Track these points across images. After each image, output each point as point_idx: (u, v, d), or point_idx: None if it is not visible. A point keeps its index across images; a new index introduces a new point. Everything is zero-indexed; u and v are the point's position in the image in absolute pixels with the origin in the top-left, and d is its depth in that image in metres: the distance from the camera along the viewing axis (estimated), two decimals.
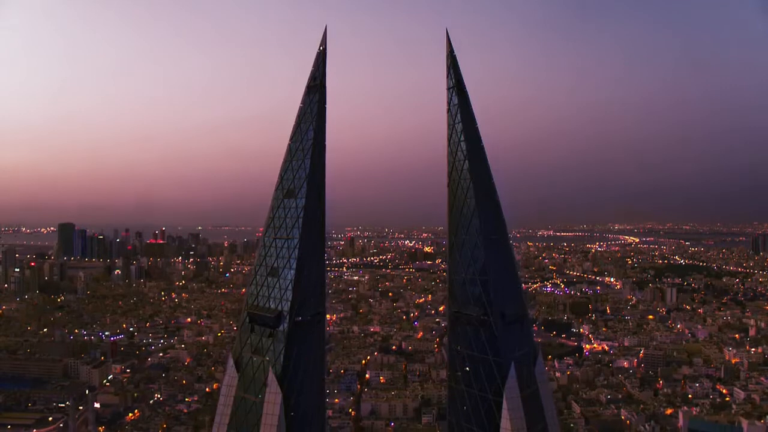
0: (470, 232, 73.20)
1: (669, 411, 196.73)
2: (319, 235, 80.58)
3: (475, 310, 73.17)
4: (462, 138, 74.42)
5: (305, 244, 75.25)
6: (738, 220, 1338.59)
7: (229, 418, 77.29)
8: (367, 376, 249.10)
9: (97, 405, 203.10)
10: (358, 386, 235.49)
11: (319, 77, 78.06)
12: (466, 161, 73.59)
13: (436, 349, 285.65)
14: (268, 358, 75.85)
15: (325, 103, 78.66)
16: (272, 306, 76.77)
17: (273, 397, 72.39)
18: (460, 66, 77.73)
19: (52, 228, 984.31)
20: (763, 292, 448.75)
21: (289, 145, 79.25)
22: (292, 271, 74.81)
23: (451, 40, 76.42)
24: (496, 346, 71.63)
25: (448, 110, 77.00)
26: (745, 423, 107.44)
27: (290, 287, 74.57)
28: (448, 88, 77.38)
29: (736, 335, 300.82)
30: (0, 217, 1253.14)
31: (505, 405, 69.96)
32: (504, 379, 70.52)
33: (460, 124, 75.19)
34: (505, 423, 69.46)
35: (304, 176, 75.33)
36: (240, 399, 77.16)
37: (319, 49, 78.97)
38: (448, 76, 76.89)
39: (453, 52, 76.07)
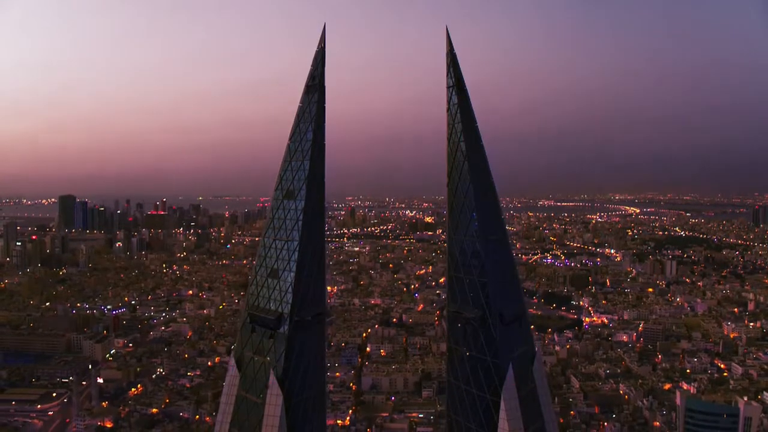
0: (469, 233, 73.33)
1: (667, 386, 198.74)
2: (319, 236, 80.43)
3: (473, 311, 73.49)
4: (462, 138, 74.03)
5: (305, 246, 75.24)
6: (739, 191, 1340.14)
7: (231, 416, 78.16)
8: (367, 349, 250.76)
9: (100, 380, 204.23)
10: (359, 360, 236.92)
11: (318, 76, 77.15)
12: (466, 162, 73.34)
13: (436, 322, 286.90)
14: (268, 359, 76.34)
15: (324, 102, 77.91)
16: (273, 308, 76.96)
17: (274, 399, 73.14)
18: (460, 65, 76.67)
19: (52, 199, 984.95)
20: (763, 265, 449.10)
21: (288, 144, 78.75)
22: (292, 274, 74.87)
23: (451, 37, 75.40)
24: (495, 348, 72.12)
25: (448, 109, 76.36)
26: (741, 403, 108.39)
27: (290, 290, 74.76)
28: (448, 87, 76.58)
29: (735, 309, 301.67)
30: (0, 189, 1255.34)
31: (502, 406, 70.72)
32: (502, 380, 71.18)
33: (460, 124, 74.67)
34: (503, 423, 70.39)
35: (303, 178, 75.12)
36: (242, 399, 77.95)
37: (318, 47, 77.95)
38: (447, 75, 76.05)
39: (453, 50, 75.16)
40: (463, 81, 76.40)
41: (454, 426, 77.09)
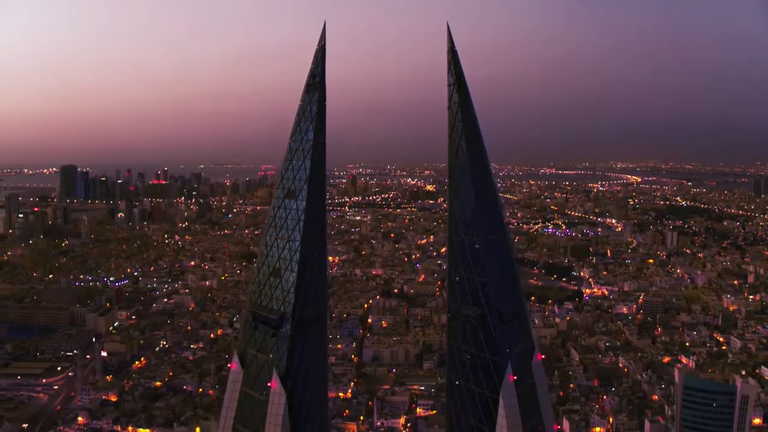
0: (469, 233, 73.53)
1: (666, 359, 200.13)
2: (320, 235, 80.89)
3: (473, 310, 74.02)
4: (462, 137, 73.90)
5: (306, 247, 75.61)
6: (741, 160, 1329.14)
7: (235, 412, 79.39)
8: (369, 320, 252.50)
9: (104, 353, 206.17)
10: (360, 331, 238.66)
11: (318, 75, 76.59)
12: (467, 160, 73.36)
13: (438, 293, 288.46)
14: (271, 356, 77.19)
15: (324, 101, 77.45)
16: (275, 307, 77.52)
17: (277, 398, 74.32)
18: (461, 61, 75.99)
19: (54, 169, 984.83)
20: (764, 236, 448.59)
21: (289, 143, 78.65)
22: (294, 275, 75.39)
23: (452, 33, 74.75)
24: (494, 346, 72.79)
25: (449, 107, 76.00)
26: (738, 381, 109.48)
27: (292, 290, 75.36)
28: (449, 85, 76.08)
29: (735, 282, 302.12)
30: (1, 158, 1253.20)
31: (501, 403, 71.70)
32: (501, 378, 72.05)
33: (461, 122, 74.36)
34: (501, 420, 71.45)
35: (304, 178, 75.20)
36: (245, 395, 79.09)
37: (318, 45, 77.17)
38: (449, 72, 75.44)
39: (454, 46, 74.51)
40: (464, 78, 75.85)
41: (455, 421, 78.17)
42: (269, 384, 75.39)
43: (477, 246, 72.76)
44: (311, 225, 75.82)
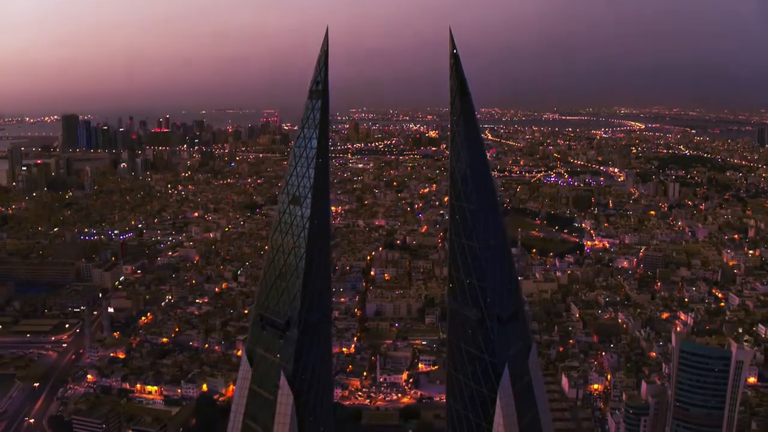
0: (470, 237, 74.23)
1: (665, 315, 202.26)
2: (325, 241, 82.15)
3: (473, 312, 75.33)
4: (464, 144, 74.10)
5: (311, 252, 76.86)
6: (746, 107, 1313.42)
7: (245, 408, 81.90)
8: (372, 273, 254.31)
9: (110, 309, 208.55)
10: (363, 284, 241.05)
11: (321, 81, 76.37)
12: (468, 167, 73.70)
13: (440, 244, 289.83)
14: (278, 357, 79.25)
15: (327, 109, 77.50)
16: (281, 311, 79.17)
17: (285, 399, 76.71)
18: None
19: (55, 117, 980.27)
20: (766, 188, 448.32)
21: (293, 148, 79.22)
22: (300, 281, 76.90)
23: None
24: (492, 348, 74.39)
25: (451, 112, 75.78)
26: (734, 346, 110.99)
27: (298, 296, 76.92)
28: (451, 90, 75.60)
29: (736, 236, 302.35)
30: (2, 107, 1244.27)
31: (498, 402, 73.77)
32: (498, 377, 73.88)
33: (463, 129, 74.47)
34: (498, 418, 73.75)
35: (309, 185, 76.00)
36: (254, 392, 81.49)
37: (321, 51, 76.50)
38: (451, 77, 74.96)
39: (456, 51, 73.80)
40: (466, 83, 75.60)
41: (454, 414, 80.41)
42: (277, 385, 78.00)
43: (477, 251, 73.70)
44: (315, 233, 76.95)
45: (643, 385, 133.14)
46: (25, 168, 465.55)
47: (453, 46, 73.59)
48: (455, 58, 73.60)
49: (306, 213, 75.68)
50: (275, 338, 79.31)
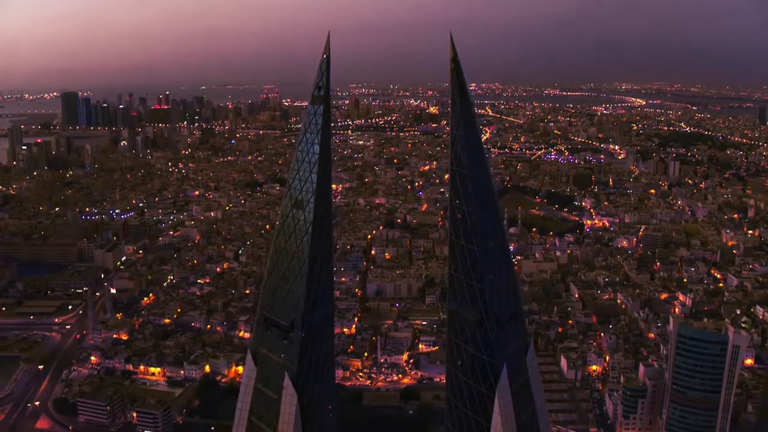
0: (469, 239, 74.86)
1: (664, 296, 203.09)
2: (327, 244, 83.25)
3: (472, 313, 76.35)
4: (465, 148, 74.38)
5: (314, 257, 77.79)
6: (747, 83, 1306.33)
7: (250, 405, 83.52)
8: (372, 252, 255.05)
9: (113, 290, 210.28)
10: (364, 263, 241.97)
11: (323, 87, 76.47)
12: (467, 170, 74.03)
13: (440, 223, 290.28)
14: (283, 357, 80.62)
15: (329, 114, 77.97)
16: (285, 312, 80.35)
17: (289, 399, 78.36)
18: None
19: (54, 93, 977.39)
20: (766, 167, 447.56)
21: (295, 153, 79.73)
22: (303, 283, 77.92)
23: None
24: (491, 348, 75.58)
25: (452, 117, 76.02)
26: (731, 331, 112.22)
27: (302, 298, 77.97)
28: (452, 96, 75.75)
29: (735, 215, 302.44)
30: (1, 84, 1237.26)
31: (496, 401, 75.18)
32: (497, 377, 75.27)
33: (463, 133, 74.63)
34: (496, 416, 75.22)
35: (311, 190, 76.76)
36: (259, 391, 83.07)
37: (323, 56, 76.39)
38: (451, 82, 74.96)
39: (456, 56, 73.55)
40: (467, 89, 75.69)
41: (454, 411, 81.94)
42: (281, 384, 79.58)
43: (477, 254, 74.38)
44: (318, 237, 78.02)
45: (641, 367, 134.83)
46: (25, 147, 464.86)
47: (453, 51, 73.35)
48: (456, 64, 73.45)
49: (309, 217, 76.57)
50: (279, 339, 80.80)
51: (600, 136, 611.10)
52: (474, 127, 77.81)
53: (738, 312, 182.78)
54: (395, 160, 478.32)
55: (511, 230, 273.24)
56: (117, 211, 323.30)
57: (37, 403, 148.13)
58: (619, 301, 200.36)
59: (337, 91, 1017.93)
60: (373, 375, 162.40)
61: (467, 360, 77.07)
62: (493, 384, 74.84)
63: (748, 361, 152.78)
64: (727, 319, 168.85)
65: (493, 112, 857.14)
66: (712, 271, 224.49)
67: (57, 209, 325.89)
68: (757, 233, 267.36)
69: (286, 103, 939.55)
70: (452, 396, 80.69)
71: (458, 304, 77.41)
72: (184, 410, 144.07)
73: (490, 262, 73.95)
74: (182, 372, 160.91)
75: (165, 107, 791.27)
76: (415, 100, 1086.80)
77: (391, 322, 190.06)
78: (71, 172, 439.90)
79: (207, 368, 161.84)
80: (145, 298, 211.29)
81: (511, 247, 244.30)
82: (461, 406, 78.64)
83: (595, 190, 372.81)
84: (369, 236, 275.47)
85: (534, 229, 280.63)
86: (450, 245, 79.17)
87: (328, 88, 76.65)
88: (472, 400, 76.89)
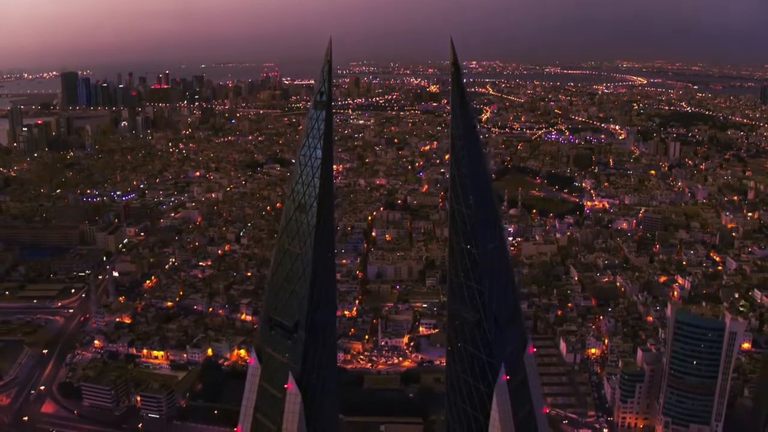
0: (468, 241, 75.43)
1: (663, 279, 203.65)
2: (330, 247, 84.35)
3: (471, 314, 77.07)
4: (465, 153, 74.70)
5: (317, 261, 78.48)
6: (749, 61, 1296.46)
7: (255, 402, 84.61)
8: (373, 233, 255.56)
9: (115, 273, 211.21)
10: (365, 245, 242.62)
11: (325, 92, 76.41)
12: (468, 174, 74.43)
13: (440, 204, 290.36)
14: (287, 357, 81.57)
15: (331, 119, 78.12)
16: (289, 314, 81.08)
17: (293, 398, 79.41)
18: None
19: (54, 72, 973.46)
20: (766, 148, 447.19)
21: (298, 156, 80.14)
22: (306, 285, 78.53)
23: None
24: (490, 349, 76.57)
25: (452, 120, 76.24)
26: (728, 317, 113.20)
27: (305, 300, 78.61)
28: (452, 100, 76.06)
29: (735, 198, 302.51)
30: (1, 64, 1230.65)
31: (495, 400, 76.45)
32: (495, 376, 76.42)
33: (463, 137, 74.94)
34: (494, 414, 76.59)
35: (314, 194, 77.09)
36: (263, 389, 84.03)
37: (324, 61, 76.21)
38: (452, 86, 75.34)
39: (457, 60, 73.68)
40: (466, 93, 76.33)
41: (453, 408, 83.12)
42: (285, 386, 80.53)
43: (476, 256, 75.03)
44: (321, 240, 78.58)
45: (639, 352, 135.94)
46: (25, 128, 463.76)
47: (454, 56, 73.42)
48: (456, 68, 73.64)
49: (312, 221, 77.06)
50: (284, 339, 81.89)
51: (600, 115, 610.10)
52: (474, 131, 78.37)
53: (736, 296, 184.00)
54: (396, 140, 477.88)
55: (511, 212, 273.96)
56: (118, 192, 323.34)
57: (42, 387, 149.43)
58: (618, 284, 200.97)
59: (337, 68, 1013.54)
60: (374, 358, 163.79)
61: (467, 359, 78.16)
62: (491, 382, 76.13)
63: (746, 345, 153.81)
64: (725, 303, 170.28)
65: (494, 91, 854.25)
66: (711, 254, 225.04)
67: (58, 191, 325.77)
68: (756, 216, 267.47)
69: (287, 82, 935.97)
70: (452, 394, 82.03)
71: (458, 304, 78.41)
72: (188, 394, 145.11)
73: (489, 264, 74.71)
74: (185, 355, 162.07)
75: (165, 87, 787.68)
76: (416, 79, 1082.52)
77: (392, 304, 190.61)
78: (72, 154, 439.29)
79: (209, 352, 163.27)
80: (147, 281, 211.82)
81: (511, 229, 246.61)
82: (461, 402, 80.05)
83: (596, 170, 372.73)
84: (369, 218, 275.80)
85: (534, 211, 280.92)
86: (449, 247, 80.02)
87: (330, 94, 76.87)
88: (471, 398, 78.23)
